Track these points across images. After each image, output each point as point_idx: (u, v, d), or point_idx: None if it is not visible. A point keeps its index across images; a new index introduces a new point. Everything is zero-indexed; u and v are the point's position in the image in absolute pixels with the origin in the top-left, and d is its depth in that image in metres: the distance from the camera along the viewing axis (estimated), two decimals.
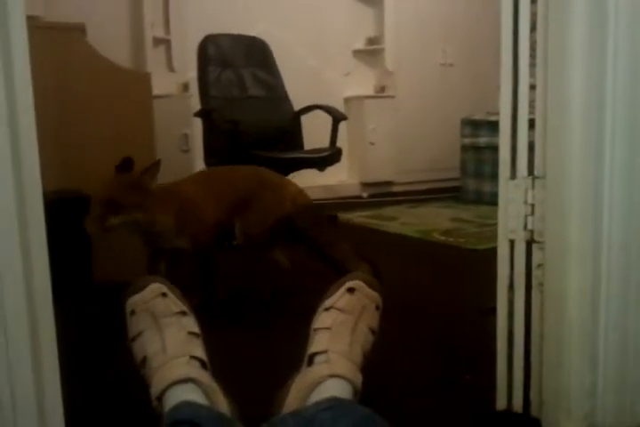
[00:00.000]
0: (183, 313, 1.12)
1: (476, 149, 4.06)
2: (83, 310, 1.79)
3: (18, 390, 0.69)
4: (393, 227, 3.23)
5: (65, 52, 1.89)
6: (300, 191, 2.00)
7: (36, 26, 1.91)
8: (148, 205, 1.64)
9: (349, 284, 1.19)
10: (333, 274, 1.89)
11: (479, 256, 2.53)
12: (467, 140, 4.13)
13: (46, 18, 2.47)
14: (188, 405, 0.93)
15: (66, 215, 1.76)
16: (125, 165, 1.65)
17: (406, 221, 3.38)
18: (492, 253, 1.16)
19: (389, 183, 4.64)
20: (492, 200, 1.21)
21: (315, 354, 1.08)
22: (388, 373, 1.36)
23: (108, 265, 1.96)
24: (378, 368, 1.12)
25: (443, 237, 2.93)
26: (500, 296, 1.14)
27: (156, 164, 1.67)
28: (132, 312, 1.11)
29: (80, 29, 1.94)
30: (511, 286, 1.12)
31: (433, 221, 3.39)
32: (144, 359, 1.07)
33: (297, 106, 3.30)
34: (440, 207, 3.90)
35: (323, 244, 1.93)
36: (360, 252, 1.91)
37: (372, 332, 1.16)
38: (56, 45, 1.84)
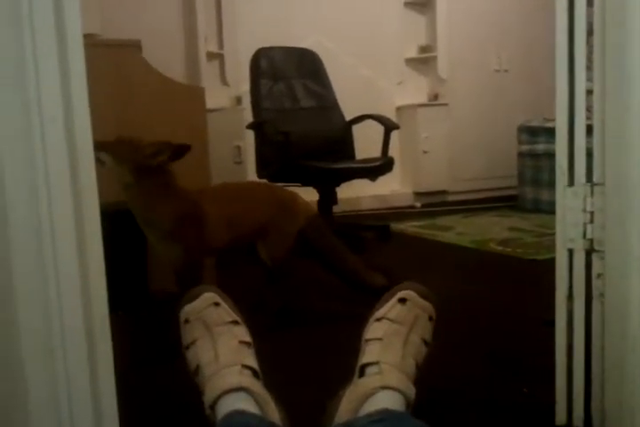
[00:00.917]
0: (235, 322, 1.12)
1: (534, 156, 3.96)
2: (139, 320, 1.83)
3: (75, 399, 0.70)
4: (447, 237, 3.17)
5: (121, 68, 1.95)
6: (307, 204, 1.97)
7: (92, 44, 1.99)
8: (150, 183, 1.62)
9: (401, 294, 1.17)
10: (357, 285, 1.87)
11: (538, 267, 2.46)
12: (524, 148, 4.04)
13: (103, 35, 2.57)
14: (239, 414, 0.94)
15: (123, 226, 1.81)
16: (180, 149, 1.64)
17: (461, 231, 3.32)
18: (551, 263, 1.12)
19: (443, 192, 4.58)
20: (551, 209, 1.17)
21: (366, 365, 1.07)
22: (442, 385, 1.33)
23: (164, 275, 2.00)
24: (432, 380, 1.10)
25: (500, 248, 2.86)
26: (558, 308, 1.10)
27: (170, 146, 1.64)
28: (186, 321, 1.13)
29: (136, 46, 2.00)
30: (570, 297, 1.09)
31: (489, 230, 3.32)
32: (197, 368, 1.08)
33: (349, 116, 3.31)
34: (496, 216, 3.81)
35: (333, 255, 1.90)
36: (412, 262, 1.87)
37: (426, 343, 1.14)
38: (113, 62, 1.91)
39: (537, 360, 1.43)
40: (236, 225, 1.76)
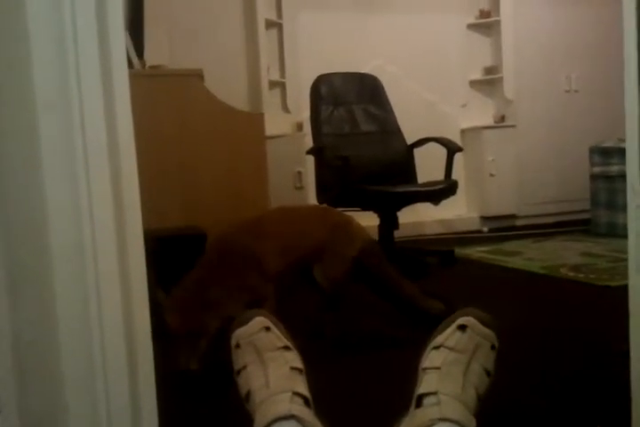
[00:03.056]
0: (286, 348, 1.10)
1: (608, 178, 3.79)
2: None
3: (115, 419, 0.69)
4: (516, 262, 3.05)
5: (184, 96, 2.01)
6: (363, 228, 1.93)
7: (157, 73, 2.06)
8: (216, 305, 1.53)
9: (461, 320, 1.11)
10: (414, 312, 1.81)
11: (612, 293, 2.31)
12: (597, 169, 3.87)
13: (170, 66, 2.66)
14: None
15: (184, 251, 1.83)
16: (198, 240, 1.61)
17: (531, 257, 3.19)
18: (626, 290, 1.04)
19: (512, 217, 4.44)
20: (626, 233, 1.10)
21: (424, 395, 1.01)
22: (506, 418, 1.25)
23: None
24: (495, 414, 1.03)
25: (571, 273, 2.72)
26: (633, 337, 1.02)
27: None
28: (237, 345, 1.12)
29: (198, 75, 2.06)
30: None
31: (560, 255, 3.17)
32: (248, 393, 1.06)
33: (413, 139, 3.28)
34: (568, 241, 3.65)
35: (388, 281, 1.84)
36: (476, 288, 1.80)
37: (488, 373, 1.07)
38: (176, 91, 1.97)
39: (611, 393, 1.32)
40: (291, 249, 1.75)
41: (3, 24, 0.65)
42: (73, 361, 0.68)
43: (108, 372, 0.69)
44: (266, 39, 3.82)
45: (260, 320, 1.13)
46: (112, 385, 0.70)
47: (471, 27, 4.44)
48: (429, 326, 1.14)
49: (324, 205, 1.94)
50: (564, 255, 3.17)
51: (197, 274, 1.58)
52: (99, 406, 0.69)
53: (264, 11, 3.80)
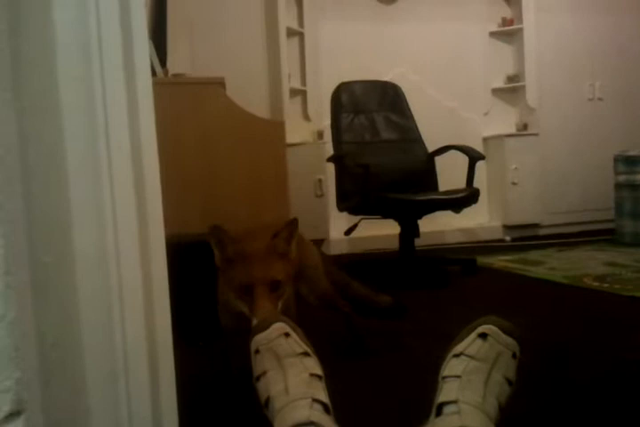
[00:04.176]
0: (306, 354, 1.10)
1: (633, 186, 3.73)
2: (211, 350, 1.83)
3: (136, 424, 0.70)
4: (539, 272, 3.01)
5: (206, 104, 2.03)
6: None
7: (179, 82, 2.09)
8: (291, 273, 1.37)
9: (482, 329, 1.10)
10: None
11: (638, 304, 2.27)
12: (621, 178, 3.82)
13: (192, 74, 2.69)
14: None
15: (203, 257, 1.84)
16: (216, 232, 1.40)
17: (554, 266, 3.15)
18: None
19: (535, 226, 4.39)
20: None
21: (444, 404, 1.00)
22: None
23: None
24: (516, 423, 1.01)
25: (595, 283, 2.68)
26: None
27: (291, 224, 1.36)
28: (257, 351, 1.12)
29: (220, 83, 2.08)
30: None
31: (584, 265, 3.13)
32: (268, 399, 1.06)
33: (434, 147, 3.26)
34: (592, 251, 3.59)
35: (340, 282, 1.82)
36: (498, 297, 1.77)
37: (509, 382, 1.06)
38: (198, 99, 1.99)
39: (634, 405, 1.30)
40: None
41: (32, 35, 0.66)
42: (95, 365, 0.69)
43: (129, 375, 0.70)
44: (287, 48, 3.85)
45: (279, 326, 1.13)
46: (133, 388, 0.71)
47: (494, 35, 4.43)
48: (450, 333, 1.13)
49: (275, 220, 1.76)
50: (587, 265, 3.13)
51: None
52: (120, 409, 0.70)
53: (286, 19, 3.83)
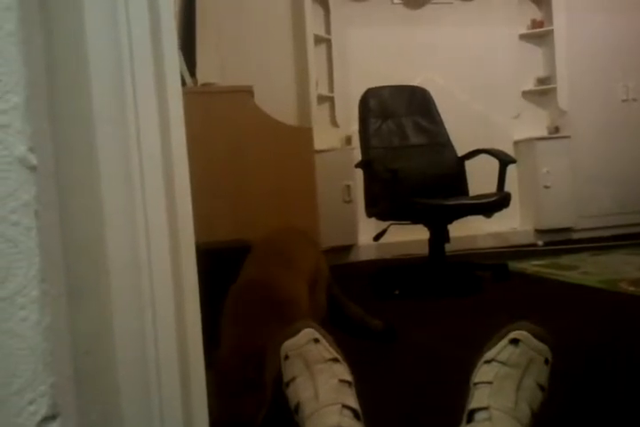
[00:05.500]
0: (335, 360, 1.10)
1: None
2: None
3: None
4: (572, 277, 2.96)
5: (235, 112, 2.05)
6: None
7: (208, 91, 2.12)
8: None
9: (513, 334, 1.09)
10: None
11: None
12: None
13: (221, 83, 2.73)
14: None
15: (230, 263, 1.86)
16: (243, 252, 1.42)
17: (588, 271, 3.09)
18: None
19: (568, 230, 4.32)
20: None
21: (475, 410, 1.00)
22: None
23: None
24: None
25: (632, 288, 2.62)
26: None
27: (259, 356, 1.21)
28: (286, 357, 1.12)
29: (248, 91, 2.11)
30: None
31: (620, 270, 3.06)
32: (298, 405, 1.06)
33: (464, 151, 3.24)
34: (628, 255, 3.51)
35: (339, 301, 1.78)
36: (530, 303, 1.74)
37: (542, 388, 1.04)
38: (227, 107, 2.01)
39: None
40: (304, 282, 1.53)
41: (65, 47, 0.68)
42: (128, 372, 0.70)
43: (161, 382, 0.71)
44: (314, 55, 3.87)
45: (308, 332, 1.13)
46: (165, 395, 0.71)
47: (523, 37, 4.38)
48: (481, 339, 1.12)
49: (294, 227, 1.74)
50: (623, 269, 3.06)
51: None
52: (153, 415, 0.71)
53: (313, 27, 3.86)
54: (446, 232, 2.91)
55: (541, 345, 1.07)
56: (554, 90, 4.34)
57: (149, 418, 0.71)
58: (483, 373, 1.05)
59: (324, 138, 3.73)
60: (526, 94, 4.43)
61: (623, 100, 4.43)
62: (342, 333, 1.68)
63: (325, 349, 1.11)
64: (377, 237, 2.98)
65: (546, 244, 4.17)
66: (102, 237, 0.70)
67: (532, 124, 4.43)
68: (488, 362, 1.06)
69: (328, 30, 4.00)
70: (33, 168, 0.58)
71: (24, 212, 0.58)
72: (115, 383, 0.69)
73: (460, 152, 3.25)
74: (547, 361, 1.07)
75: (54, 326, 0.60)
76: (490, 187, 3.01)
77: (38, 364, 0.58)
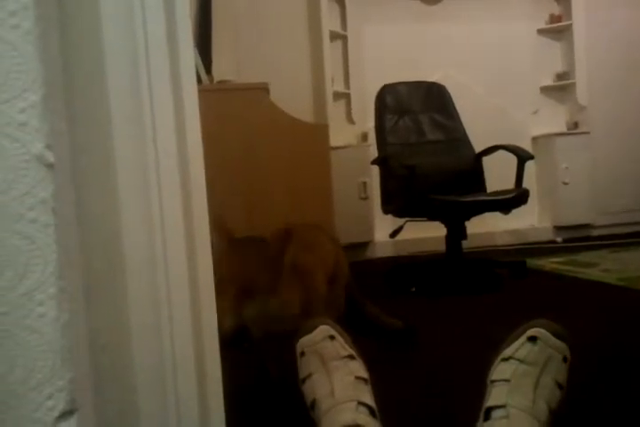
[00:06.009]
0: (351, 357, 1.10)
1: None
2: (249, 353, 1.84)
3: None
4: (591, 274, 2.93)
5: (251, 109, 2.06)
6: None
7: (224, 88, 2.13)
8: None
9: (531, 332, 1.08)
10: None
11: None
12: None
13: (237, 80, 2.73)
14: None
15: None
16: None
17: (608, 268, 3.05)
18: None
19: (587, 226, 4.27)
20: None
21: (492, 408, 0.99)
22: None
23: None
24: None
25: None
26: None
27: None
28: (302, 353, 1.13)
29: (264, 88, 2.11)
30: None
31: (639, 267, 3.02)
32: (314, 402, 1.07)
33: (482, 147, 3.21)
34: None
35: (357, 300, 1.79)
36: (549, 301, 1.72)
37: (560, 386, 1.04)
38: (243, 104, 2.02)
39: None
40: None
41: (82, 47, 0.69)
42: (144, 368, 0.71)
43: (177, 377, 0.72)
44: (330, 51, 3.86)
45: (324, 329, 1.13)
46: (181, 390, 0.72)
47: (542, 32, 4.33)
48: (495, 337, 1.11)
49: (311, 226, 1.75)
50: None
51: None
52: (169, 410, 0.71)
53: (329, 23, 3.85)
54: (463, 229, 2.89)
55: (559, 343, 1.06)
56: (573, 85, 4.29)
57: (166, 414, 0.72)
58: (500, 370, 1.05)
59: (339, 135, 3.73)
60: (545, 90, 4.38)
61: None
62: (358, 332, 1.70)
63: (341, 345, 1.11)
64: (393, 234, 2.97)
65: (564, 241, 4.12)
66: (119, 235, 0.70)
67: (551, 119, 4.38)
68: (506, 360, 1.06)
69: (344, 26, 3.98)
70: (50, 166, 0.59)
71: (42, 209, 0.58)
72: (131, 380, 0.70)
73: (478, 148, 3.22)
74: (565, 359, 1.06)
75: (72, 323, 0.60)
76: (508, 183, 2.98)
77: (56, 360, 0.58)
